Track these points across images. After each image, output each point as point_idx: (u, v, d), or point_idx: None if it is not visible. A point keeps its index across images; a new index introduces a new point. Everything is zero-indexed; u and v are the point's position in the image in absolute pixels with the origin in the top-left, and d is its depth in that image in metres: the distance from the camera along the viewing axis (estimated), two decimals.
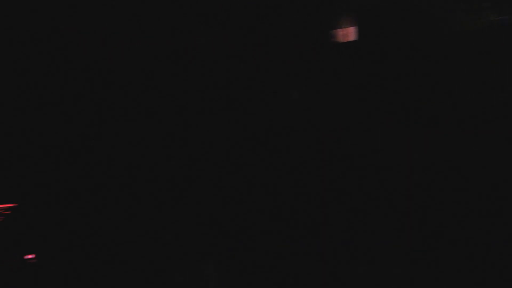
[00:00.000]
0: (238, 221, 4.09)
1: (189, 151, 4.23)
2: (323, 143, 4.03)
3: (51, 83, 4.29)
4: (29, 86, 4.29)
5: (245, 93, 4.20)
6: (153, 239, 4.12)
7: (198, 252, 4.06)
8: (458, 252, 3.65)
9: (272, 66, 4.17)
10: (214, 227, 4.11)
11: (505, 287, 3.53)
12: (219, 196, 4.14)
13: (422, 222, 3.77)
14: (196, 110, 4.25)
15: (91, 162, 4.25)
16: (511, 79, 3.69)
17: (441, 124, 3.80)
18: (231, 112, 4.21)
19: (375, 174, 3.90)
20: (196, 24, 4.25)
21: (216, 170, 4.17)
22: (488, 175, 3.67)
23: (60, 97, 4.29)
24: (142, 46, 4.25)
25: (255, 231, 4.05)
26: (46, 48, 4.28)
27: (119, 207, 4.19)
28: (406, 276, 3.72)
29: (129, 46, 4.25)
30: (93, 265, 4.08)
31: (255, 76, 4.19)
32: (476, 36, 3.79)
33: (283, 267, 3.93)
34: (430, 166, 3.79)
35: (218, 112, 4.22)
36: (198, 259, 4.03)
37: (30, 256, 4.10)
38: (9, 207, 4.22)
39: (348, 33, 4.07)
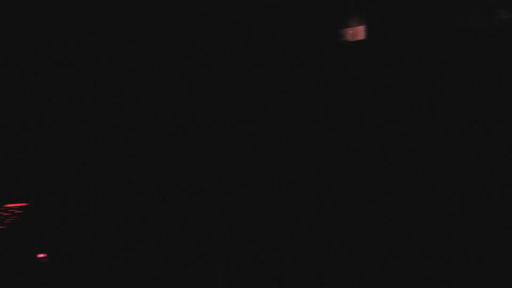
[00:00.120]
0: (244, 221, 4.10)
1: (197, 150, 4.24)
2: (331, 142, 4.03)
3: (68, 85, 4.32)
4: (44, 87, 4.32)
5: (252, 93, 4.19)
6: (165, 240, 4.15)
7: (206, 253, 4.08)
8: (461, 252, 3.65)
9: (281, 65, 4.16)
10: (221, 228, 4.13)
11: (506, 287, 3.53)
12: (226, 196, 4.16)
13: (427, 222, 3.76)
14: (204, 110, 4.26)
15: (104, 162, 4.28)
16: None
17: (452, 123, 3.78)
18: (239, 111, 4.21)
19: (384, 172, 3.89)
20: (206, 24, 4.24)
21: (224, 170, 4.19)
22: (500, 176, 3.65)
23: (74, 97, 4.32)
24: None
25: (261, 231, 4.07)
26: (64, 52, 4.30)
27: (130, 207, 4.22)
28: (408, 276, 3.73)
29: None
30: (104, 264, 4.12)
31: (263, 76, 4.19)
32: (487, 34, 3.75)
33: (290, 266, 3.95)
34: (443, 165, 3.78)
35: (226, 112, 4.22)
36: (206, 260, 4.05)
37: (42, 255, 4.15)
38: (20, 206, 4.27)
39: (357, 32, 4.04)
